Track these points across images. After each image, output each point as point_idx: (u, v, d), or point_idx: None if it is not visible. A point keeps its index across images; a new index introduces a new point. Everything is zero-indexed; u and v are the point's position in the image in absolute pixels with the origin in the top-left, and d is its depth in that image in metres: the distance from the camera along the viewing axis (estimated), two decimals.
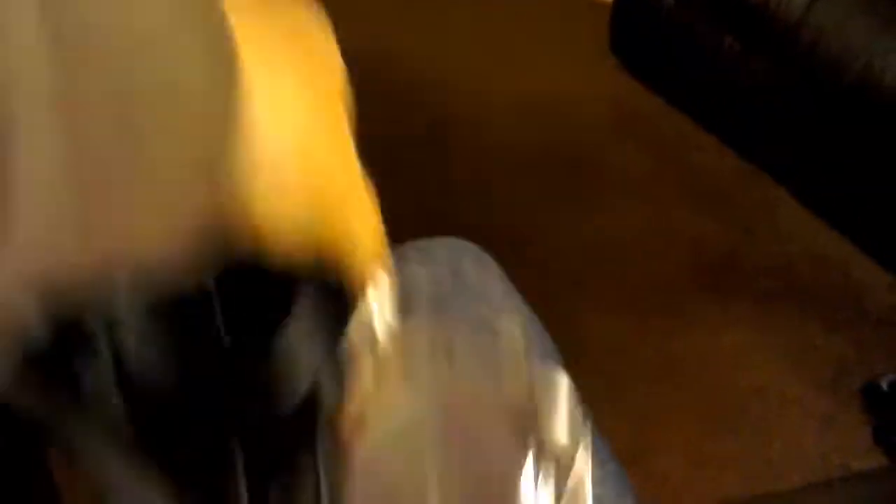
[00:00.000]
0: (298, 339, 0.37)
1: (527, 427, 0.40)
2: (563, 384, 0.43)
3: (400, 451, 0.41)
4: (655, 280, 1.88)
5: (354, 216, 0.36)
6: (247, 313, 0.36)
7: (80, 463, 0.38)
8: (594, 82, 2.51)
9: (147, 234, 0.28)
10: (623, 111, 2.41)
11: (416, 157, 2.15)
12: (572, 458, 0.42)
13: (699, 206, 2.06)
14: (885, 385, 1.69)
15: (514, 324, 0.46)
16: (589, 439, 0.45)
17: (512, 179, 2.13)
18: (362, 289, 0.37)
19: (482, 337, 0.43)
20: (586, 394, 0.49)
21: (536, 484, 0.41)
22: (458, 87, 2.53)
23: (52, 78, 0.25)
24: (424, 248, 0.66)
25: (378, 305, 0.40)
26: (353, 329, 0.40)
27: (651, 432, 1.58)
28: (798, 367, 1.79)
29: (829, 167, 1.95)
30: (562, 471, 0.42)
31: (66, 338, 0.31)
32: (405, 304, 0.42)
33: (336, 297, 0.38)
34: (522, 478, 0.40)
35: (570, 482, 0.42)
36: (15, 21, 0.24)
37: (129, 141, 0.26)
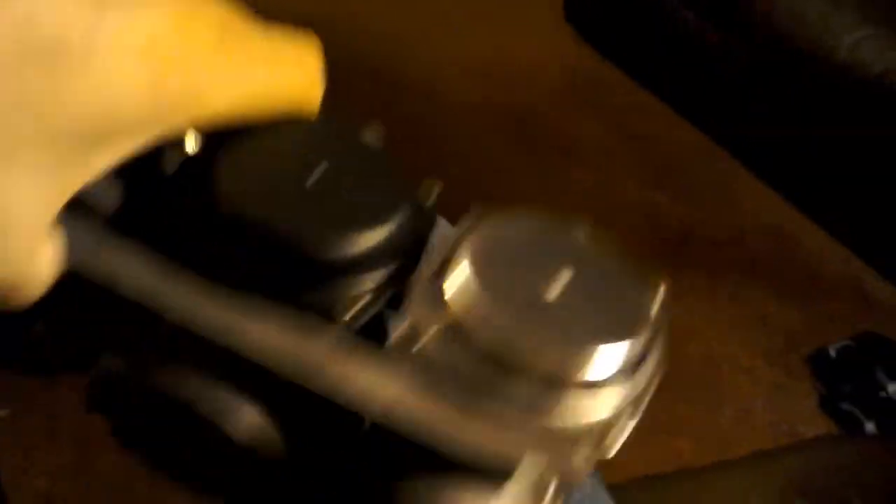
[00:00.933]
0: None
1: None
2: None
3: None
4: None
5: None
6: None
7: None
8: (550, 49, 2.50)
9: None
10: (579, 79, 2.39)
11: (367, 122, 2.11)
12: None
13: (653, 178, 2.06)
14: (832, 353, 1.72)
15: None
16: None
17: (463, 144, 2.11)
18: None
19: None
20: None
21: None
22: (411, 52, 2.49)
23: None
24: None
25: None
26: None
27: None
28: (749, 337, 1.81)
29: (784, 137, 1.96)
30: None
31: None
32: None
33: None
34: None
35: None
36: None
37: None
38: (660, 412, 1.51)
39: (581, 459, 0.31)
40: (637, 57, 2.30)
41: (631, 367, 0.34)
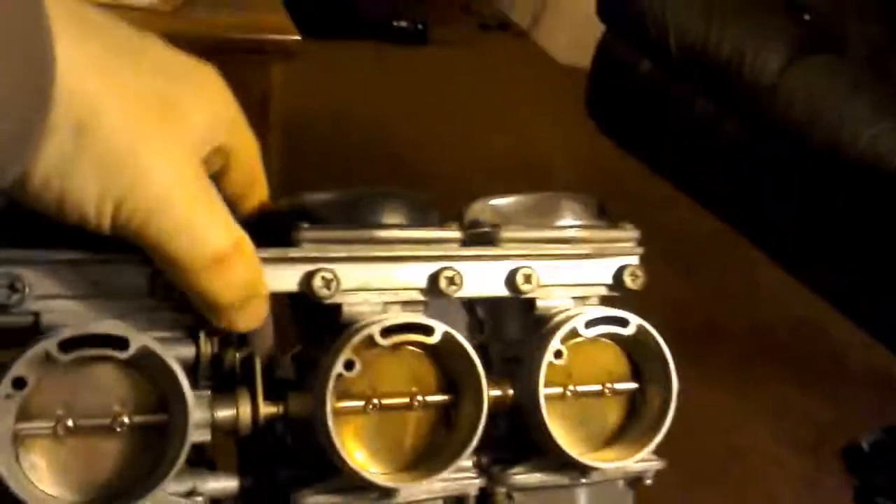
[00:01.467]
0: None
1: None
2: None
3: None
4: None
5: None
6: None
7: None
8: (572, 144, 2.55)
9: None
10: (599, 172, 2.44)
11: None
12: None
13: (677, 269, 2.08)
14: (865, 445, 1.69)
15: None
16: None
17: None
18: None
19: None
20: None
21: None
22: (438, 146, 2.56)
23: None
24: None
25: None
26: None
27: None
28: (777, 428, 1.79)
29: (804, 228, 1.98)
30: None
31: None
32: None
33: None
34: None
35: None
36: None
37: None
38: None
39: None
40: (657, 148, 2.35)
41: None
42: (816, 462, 1.73)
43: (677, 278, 2.06)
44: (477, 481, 0.43)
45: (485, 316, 0.51)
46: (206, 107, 0.36)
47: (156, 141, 0.32)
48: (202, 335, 0.40)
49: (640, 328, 0.44)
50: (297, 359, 0.44)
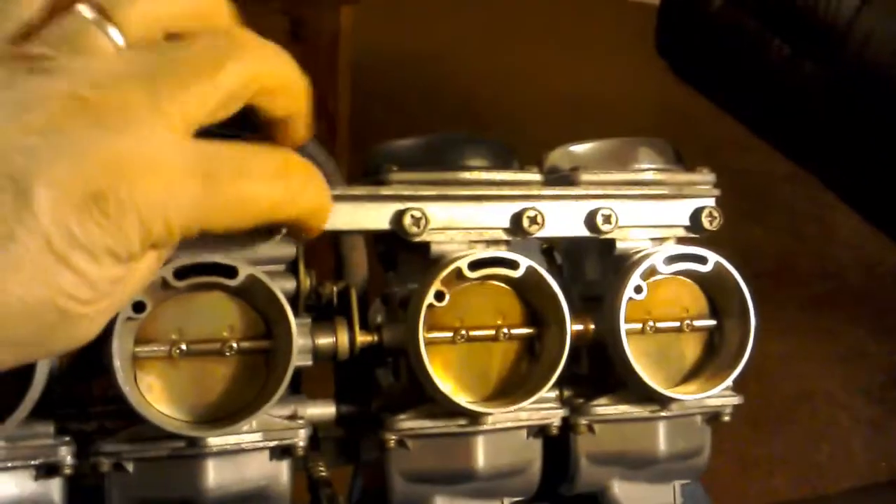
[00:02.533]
0: None
1: None
2: None
3: None
4: None
5: None
6: None
7: None
8: (641, 84, 2.51)
9: None
10: (670, 113, 2.40)
11: None
12: None
13: (749, 211, 2.05)
14: None
15: None
16: None
17: None
18: None
19: None
20: None
21: None
22: (505, 86, 2.54)
23: None
24: None
25: None
26: None
27: None
28: (848, 373, 1.78)
29: (880, 171, 1.93)
30: None
31: None
32: None
33: None
34: None
35: None
36: None
37: None
38: (756, 448, 1.49)
39: None
40: (730, 90, 2.30)
41: None
42: (886, 407, 1.71)
43: (749, 222, 2.04)
44: (560, 411, 0.45)
45: (563, 262, 0.53)
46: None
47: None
48: (301, 269, 0.42)
49: (719, 265, 0.45)
50: (387, 300, 0.46)
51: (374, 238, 0.48)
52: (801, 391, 1.74)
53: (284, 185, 0.34)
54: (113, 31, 0.30)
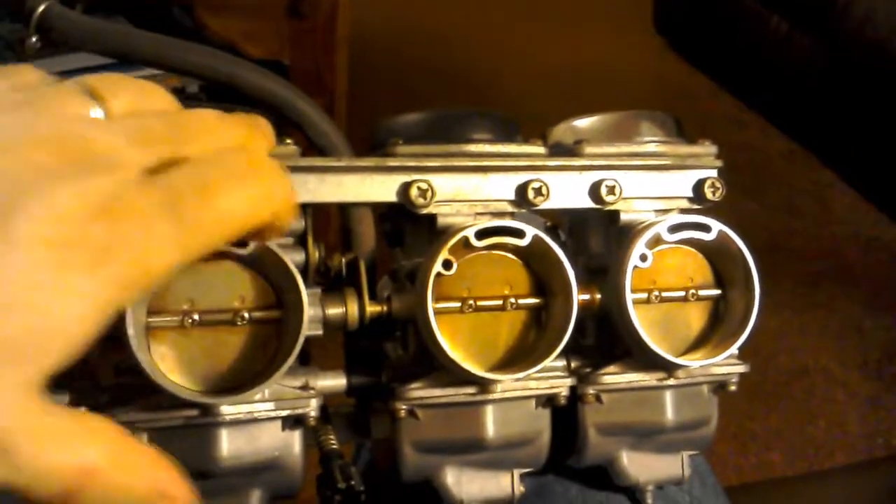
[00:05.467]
0: None
1: None
2: None
3: None
4: None
5: None
6: None
7: None
8: (639, 61, 2.51)
9: None
10: (667, 89, 2.40)
11: None
12: None
13: (745, 187, 2.05)
14: None
15: None
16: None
17: None
18: None
19: None
20: None
21: None
22: (502, 61, 2.54)
23: None
24: None
25: None
26: None
27: None
28: (844, 349, 1.79)
29: (877, 149, 1.93)
30: None
31: None
32: None
33: None
34: None
35: None
36: None
37: None
38: (752, 424, 1.50)
39: None
40: (728, 66, 2.30)
41: None
42: (881, 383, 1.73)
43: (746, 198, 2.04)
44: (567, 380, 0.46)
45: (567, 239, 0.53)
46: None
47: None
48: (310, 242, 0.43)
49: (722, 234, 0.46)
50: (395, 275, 0.47)
51: (379, 217, 0.49)
52: (797, 367, 1.75)
53: (258, 182, 0.32)
54: None
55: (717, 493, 0.60)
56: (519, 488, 0.47)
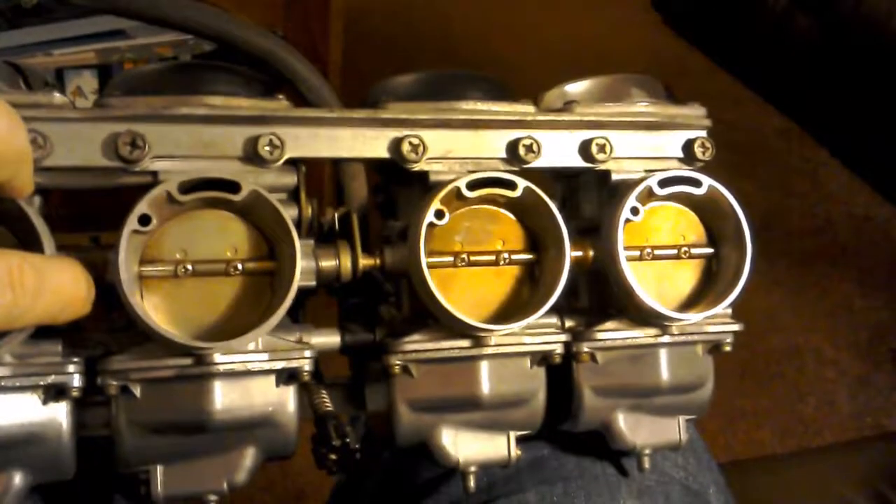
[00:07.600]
0: None
1: None
2: None
3: None
4: None
5: None
6: None
7: None
8: (635, 38, 2.50)
9: None
10: (663, 67, 2.39)
11: None
12: None
13: (740, 165, 2.05)
14: None
15: None
16: None
17: None
18: None
19: None
20: None
21: None
22: (497, 33, 2.53)
23: None
24: None
25: None
26: None
27: None
28: (835, 328, 1.80)
29: (873, 128, 1.93)
30: None
31: None
32: None
33: None
34: None
35: None
36: None
37: None
38: (742, 401, 1.50)
39: None
40: (724, 43, 2.29)
41: None
42: (872, 362, 1.73)
43: (740, 176, 2.04)
44: (562, 336, 0.46)
45: (560, 207, 0.53)
46: None
47: None
48: (303, 197, 0.43)
49: (712, 189, 0.46)
50: (387, 238, 0.47)
51: (373, 190, 0.49)
52: (788, 345, 1.76)
53: (11, 293, 0.32)
54: None
55: (711, 468, 0.60)
56: (515, 451, 0.47)
